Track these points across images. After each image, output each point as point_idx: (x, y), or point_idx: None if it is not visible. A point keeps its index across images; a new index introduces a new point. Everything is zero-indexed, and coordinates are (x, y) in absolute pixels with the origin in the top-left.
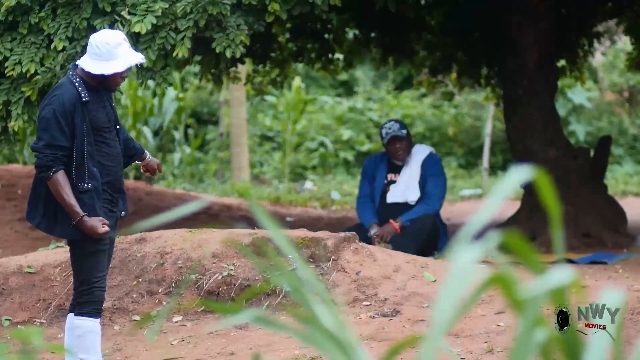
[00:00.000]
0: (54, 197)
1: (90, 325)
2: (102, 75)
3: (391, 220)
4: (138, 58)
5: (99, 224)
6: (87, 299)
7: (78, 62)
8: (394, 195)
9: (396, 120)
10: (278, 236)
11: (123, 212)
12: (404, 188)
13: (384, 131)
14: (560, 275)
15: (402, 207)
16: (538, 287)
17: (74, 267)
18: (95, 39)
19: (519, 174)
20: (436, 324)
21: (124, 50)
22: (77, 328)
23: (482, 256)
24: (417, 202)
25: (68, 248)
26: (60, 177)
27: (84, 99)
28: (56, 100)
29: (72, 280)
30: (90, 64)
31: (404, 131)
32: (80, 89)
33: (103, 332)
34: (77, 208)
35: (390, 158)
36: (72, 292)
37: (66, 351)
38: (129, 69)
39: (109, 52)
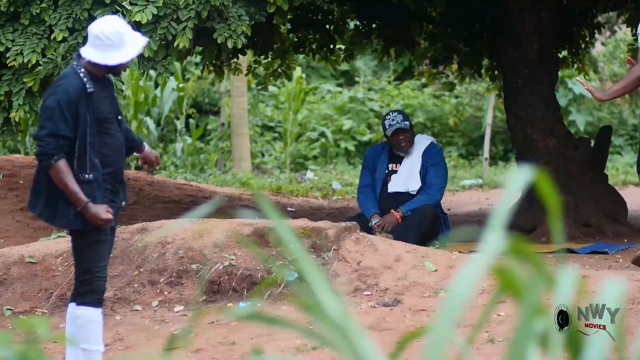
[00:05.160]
0: (55, 186)
1: (92, 314)
2: (119, 64)
3: (392, 210)
4: (143, 40)
5: (103, 211)
6: (88, 289)
7: (85, 55)
8: (396, 184)
9: (399, 112)
10: (280, 226)
11: (124, 202)
12: (406, 178)
13: (386, 122)
14: (568, 279)
15: (404, 197)
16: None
17: (75, 256)
18: (101, 30)
19: (521, 176)
20: (447, 315)
21: (131, 34)
22: (78, 318)
23: (477, 244)
24: (418, 191)
25: (69, 238)
26: (62, 165)
27: (88, 90)
28: (61, 90)
29: (74, 270)
30: (102, 55)
31: (407, 123)
32: (85, 79)
33: (104, 322)
34: (81, 195)
35: (391, 148)
36: (73, 282)
37: (68, 340)
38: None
39: (120, 40)
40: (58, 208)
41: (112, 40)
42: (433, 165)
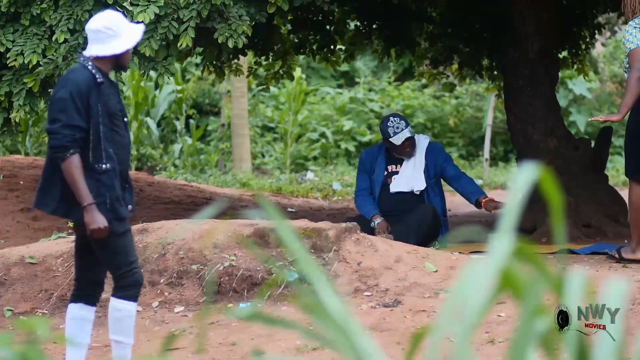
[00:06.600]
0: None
1: (132, 309)
2: (126, 51)
3: (480, 199)
4: (140, 25)
5: (104, 221)
6: (130, 281)
7: (89, 54)
8: (398, 185)
9: (400, 117)
10: (282, 227)
11: (130, 206)
12: (408, 178)
13: (390, 130)
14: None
15: (408, 196)
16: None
17: (106, 253)
18: (101, 23)
19: (526, 174)
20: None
21: (127, 22)
22: (117, 311)
23: (477, 245)
24: (424, 191)
25: (69, 238)
26: (77, 159)
27: (98, 80)
28: (71, 83)
29: (107, 268)
30: (107, 47)
31: (411, 129)
32: (94, 71)
33: (105, 322)
34: (89, 193)
35: (387, 150)
36: (73, 283)
37: (68, 341)
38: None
39: (120, 28)
40: (75, 202)
41: (114, 30)
42: (446, 162)
